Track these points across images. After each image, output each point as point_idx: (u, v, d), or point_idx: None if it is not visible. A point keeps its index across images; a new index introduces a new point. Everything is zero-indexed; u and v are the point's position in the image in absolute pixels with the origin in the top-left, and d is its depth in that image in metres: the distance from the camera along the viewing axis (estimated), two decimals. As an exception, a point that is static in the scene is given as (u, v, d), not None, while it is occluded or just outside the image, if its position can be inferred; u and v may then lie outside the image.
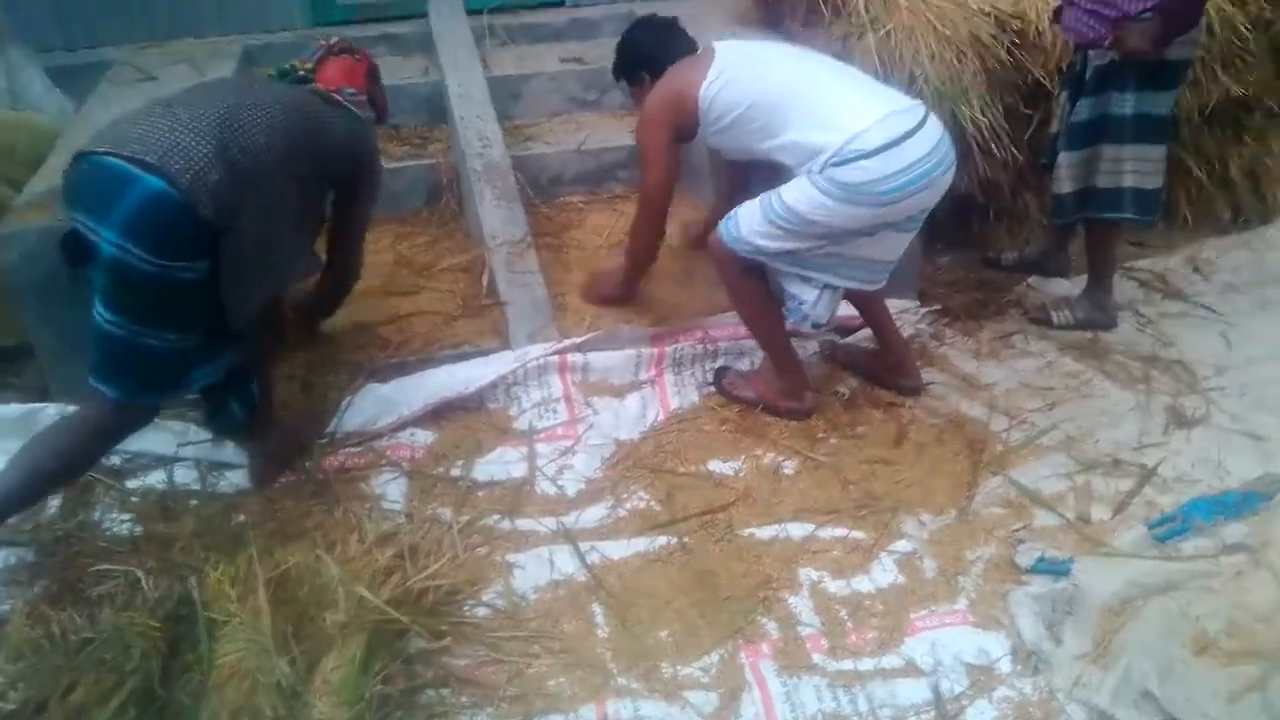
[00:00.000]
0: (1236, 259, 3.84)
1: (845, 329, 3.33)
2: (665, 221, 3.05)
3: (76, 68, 4.20)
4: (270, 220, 2.35)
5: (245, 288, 2.34)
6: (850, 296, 3.02)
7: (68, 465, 2.35)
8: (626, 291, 3.25)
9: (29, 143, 3.26)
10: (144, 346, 2.25)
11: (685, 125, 2.85)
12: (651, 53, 3.00)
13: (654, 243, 3.09)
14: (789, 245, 2.69)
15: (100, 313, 2.23)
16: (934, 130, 2.64)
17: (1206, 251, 3.89)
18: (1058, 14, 3.26)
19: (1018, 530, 2.58)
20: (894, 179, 2.54)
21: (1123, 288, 3.62)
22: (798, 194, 2.62)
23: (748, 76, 2.73)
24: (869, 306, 3.09)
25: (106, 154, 2.14)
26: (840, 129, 2.56)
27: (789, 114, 2.65)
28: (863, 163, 2.54)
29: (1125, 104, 3.07)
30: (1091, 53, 3.10)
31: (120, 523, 2.60)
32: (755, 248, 2.71)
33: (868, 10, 3.67)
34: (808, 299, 2.78)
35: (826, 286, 2.78)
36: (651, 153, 2.90)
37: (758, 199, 2.72)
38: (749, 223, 2.70)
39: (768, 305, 2.89)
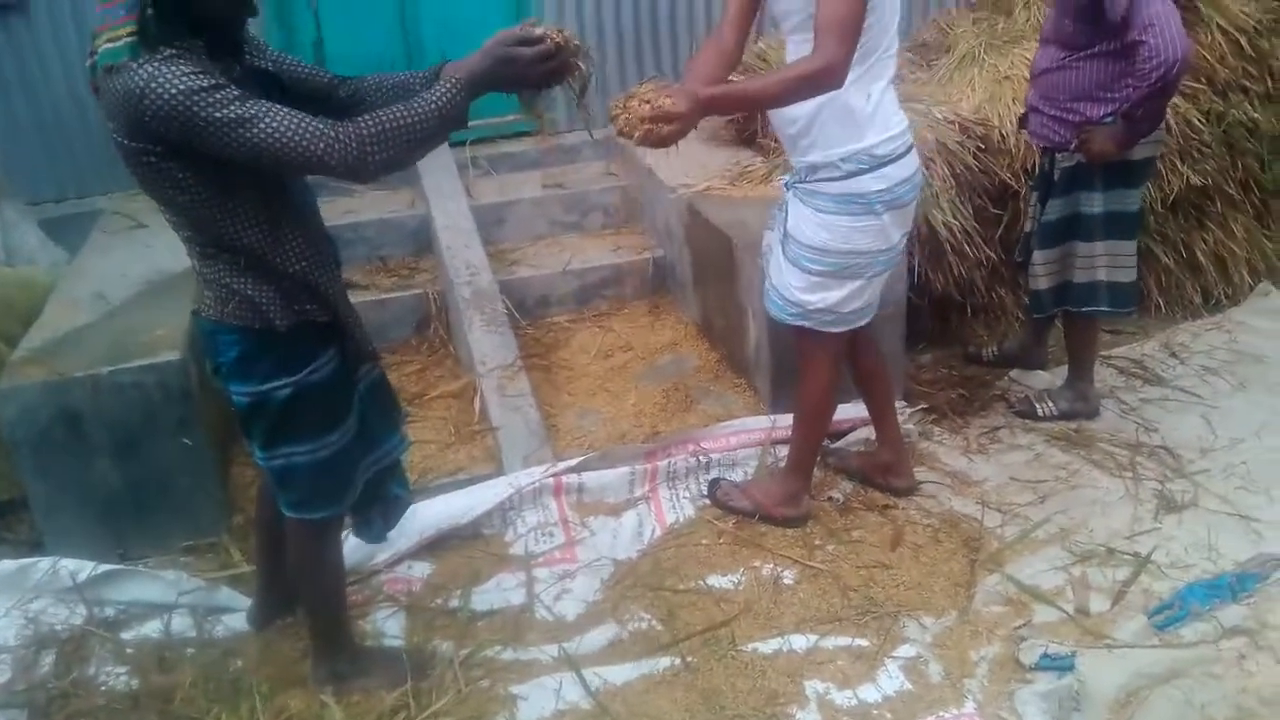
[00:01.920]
0: (1210, 341, 3.92)
1: (836, 434, 3.36)
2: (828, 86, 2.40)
3: (67, 218, 4.32)
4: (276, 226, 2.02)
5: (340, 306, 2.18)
6: (863, 392, 3.08)
7: (337, 584, 2.45)
8: (719, 101, 2.44)
9: (25, 298, 3.32)
10: (322, 460, 2.17)
11: None
12: None
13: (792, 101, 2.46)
14: (832, 296, 2.67)
15: (269, 456, 2.17)
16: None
17: (1181, 336, 3.97)
18: (1023, 120, 3.39)
19: (1019, 628, 2.58)
20: (900, 186, 2.59)
21: (1103, 375, 3.68)
22: (809, 229, 2.62)
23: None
24: (877, 402, 3.10)
25: (194, 312, 2.14)
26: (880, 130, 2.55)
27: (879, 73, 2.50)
28: (883, 170, 2.55)
29: (1094, 203, 3.18)
30: (1059, 155, 3.21)
31: (117, 676, 2.57)
32: (802, 308, 2.70)
33: (837, 123, 3.81)
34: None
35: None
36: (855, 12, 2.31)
37: (774, 263, 2.74)
38: (788, 284, 2.71)
39: (829, 405, 2.93)
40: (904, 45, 4.58)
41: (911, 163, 2.62)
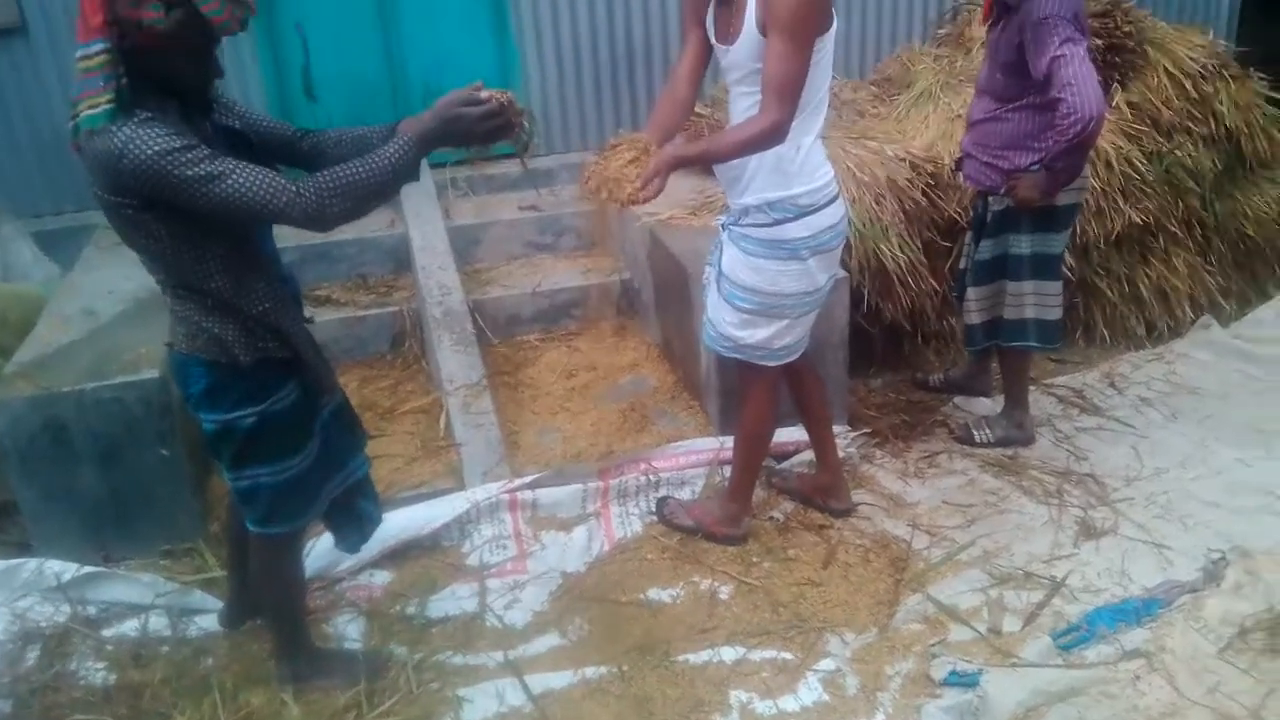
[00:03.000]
0: (1150, 372, 4.11)
1: (781, 455, 3.55)
2: (775, 141, 2.60)
3: (64, 231, 4.51)
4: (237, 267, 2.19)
5: (301, 340, 2.34)
6: (803, 418, 3.27)
7: (298, 592, 2.67)
8: (685, 159, 2.65)
9: (19, 313, 3.53)
10: (284, 481, 2.35)
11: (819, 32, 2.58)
12: None
13: (749, 153, 2.66)
14: (760, 334, 2.87)
15: (236, 477, 2.36)
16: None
17: (1122, 366, 4.16)
18: (959, 164, 3.58)
19: (933, 645, 2.76)
20: (825, 234, 2.78)
21: (1042, 404, 3.87)
22: (740, 270, 2.81)
23: (829, 58, 2.67)
24: (816, 428, 3.29)
25: (168, 344, 2.31)
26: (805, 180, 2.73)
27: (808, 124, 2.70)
28: (808, 219, 2.73)
29: (1022, 244, 3.38)
30: (991, 198, 3.41)
31: (95, 671, 2.77)
32: (734, 342, 2.91)
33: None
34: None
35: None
36: (806, 32, 2.50)
37: (711, 298, 2.96)
38: (722, 319, 2.92)
39: (766, 433, 3.13)
40: (867, 79, 4.80)
41: (836, 212, 2.80)
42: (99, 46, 1.93)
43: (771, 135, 2.56)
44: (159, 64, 1.99)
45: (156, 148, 1.93)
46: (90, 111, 1.94)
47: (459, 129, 2.18)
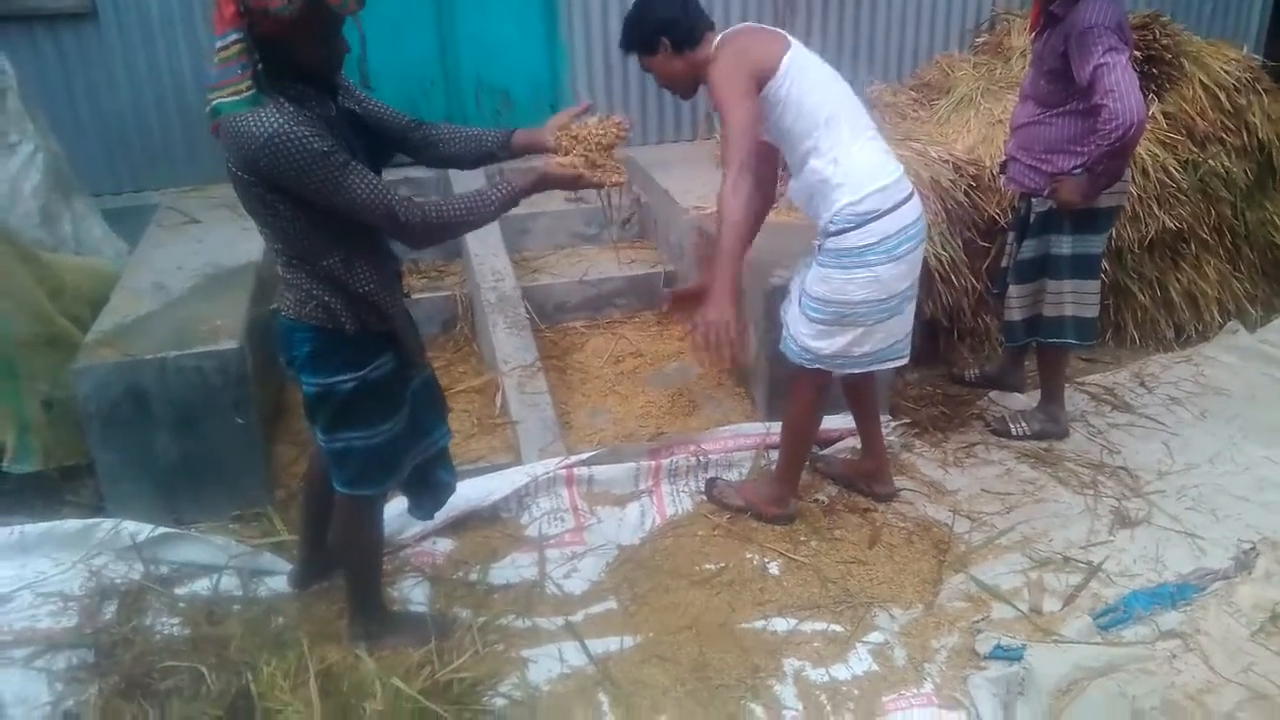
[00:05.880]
0: (1179, 373, 4.23)
1: (826, 441, 3.67)
2: (752, 182, 2.71)
3: (124, 210, 4.64)
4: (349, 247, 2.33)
5: (400, 320, 2.48)
6: (852, 406, 3.38)
7: (376, 553, 2.76)
8: (730, 283, 2.72)
9: (92, 285, 3.65)
10: (375, 445, 2.48)
11: (761, 78, 2.78)
12: (672, 18, 2.85)
13: (746, 209, 2.73)
14: (838, 342, 2.97)
15: (330, 439, 2.48)
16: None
17: (1151, 367, 4.29)
18: (1004, 167, 3.70)
19: (977, 622, 2.88)
20: (892, 239, 2.87)
21: (1075, 400, 3.99)
22: (813, 282, 2.94)
23: (822, 75, 2.87)
24: (865, 417, 3.39)
25: (274, 310, 2.45)
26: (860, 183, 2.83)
27: (839, 129, 2.84)
28: (870, 226, 2.84)
29: (1063, 245, 3.50)
30: (1034, 200, 3.53)
31: (170, 626, 2.89)
32: (814, 353, 3.01)
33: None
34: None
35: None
36: (731, 93, 2.72)
37: (791, 311, 3.07)
38: (799, 333, 3.03)
39: (813, 423, 3.25)
40: (906, 84, 4.93)
41: (902, 217, 2.88)
42: (234, 37, 2.07)
43: (730, 197, 2.66)
44: (289, 49, 2.13)
45: (302, 147, 2.08)
46: (235, 98, 2.08)
47: (554, 185, 2.52)
